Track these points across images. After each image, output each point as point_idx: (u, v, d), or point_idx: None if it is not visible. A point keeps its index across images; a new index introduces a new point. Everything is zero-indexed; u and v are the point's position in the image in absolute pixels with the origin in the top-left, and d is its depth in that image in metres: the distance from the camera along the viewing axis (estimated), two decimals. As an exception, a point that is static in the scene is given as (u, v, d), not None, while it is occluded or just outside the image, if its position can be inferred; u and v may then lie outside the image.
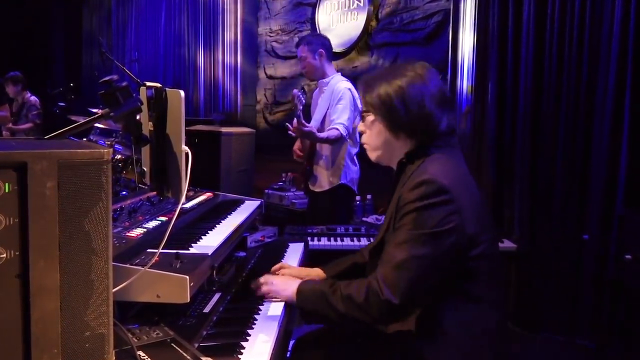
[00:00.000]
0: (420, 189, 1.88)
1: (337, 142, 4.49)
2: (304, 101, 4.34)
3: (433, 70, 2.12)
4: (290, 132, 4.42)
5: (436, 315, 1.96)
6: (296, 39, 7.41)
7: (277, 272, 2.49)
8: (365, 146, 2.28)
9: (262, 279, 2.30)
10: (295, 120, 4.34)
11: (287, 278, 2.34)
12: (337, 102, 4.51)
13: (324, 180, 4.71)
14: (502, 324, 2.07)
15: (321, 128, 4.61)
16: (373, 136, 2.20)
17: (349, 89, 4.53)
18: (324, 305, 2.01)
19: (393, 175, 2.22)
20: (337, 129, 4.39)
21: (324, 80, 4.74)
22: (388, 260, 1.90)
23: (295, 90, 4.43)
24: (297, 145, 4.96)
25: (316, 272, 2.54)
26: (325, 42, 4.76)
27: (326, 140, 4.51)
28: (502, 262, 2.17)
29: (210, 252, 2.11)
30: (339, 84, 4.62)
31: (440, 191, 1.86)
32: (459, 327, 1.95)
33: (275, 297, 2.22)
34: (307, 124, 4.37)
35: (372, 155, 2.25)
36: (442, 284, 1.92)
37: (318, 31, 6.94)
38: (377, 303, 1.86)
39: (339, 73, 4.84)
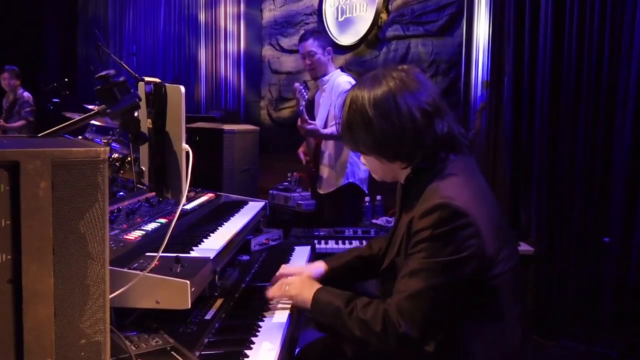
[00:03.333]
0: (433, 215, 1.79)
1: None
2: (306, 96, 4.36)
3: (414, 73, 1.99)
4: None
5: (460, 338, 1.90)
6: (302, 32, 7.43)
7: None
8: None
9: (279, 277, 2.31)
10: (299, 119, 4.38)
11: (303, 281, 2.23)
12: (338, 96, 4.53)
13: (329, 180, 4.73)
14: (526, 339, 2.02)
15: (326, 127, 4.63)
16: (367, 161, 2.15)
17: (349, 83, 4.55)
18: (340, 323, 1.95)
19: (399, 187, 2.16)
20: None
21: (324, 78, 4.79)
22: (403, 290, 1.82)
23: (296, 84, 4.45)
24: (302, 148, 4.99)
25: (317, 266, 2.47)
26: (330, 40, 4.82)
27: (331, 137, 4.55)
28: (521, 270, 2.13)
29: (212, 255, 2.11)
30: (339, 79, 4.67)
31: (457, 215, 1.77)
32: (485, 347, 1.90)
33: (288, 300, 2.20)
34: (310, 122, 4.41)
35: (375, 176, 2.19)
36: (463, 306, 1.86)
37: (325, 24, 6.93)
38: (395, 335, 1.79)
39: (339, 69, 4.87)
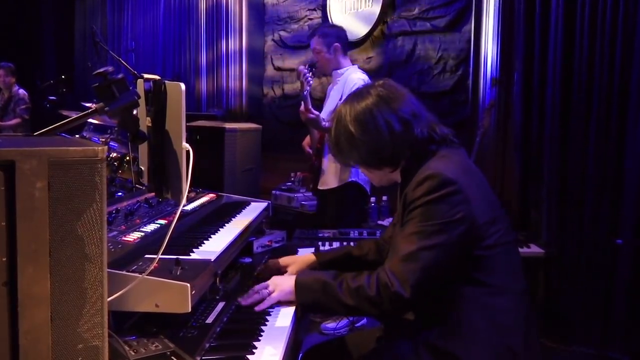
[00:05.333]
0: (424, 185, 1.98)
1: None
2: (310, 80, 4.31)
3: (391, 86, 2.21)
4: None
5: (462, 311, 1.99)
6: (306, 28, 7.42)
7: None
8: None
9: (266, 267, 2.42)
10: (302, 104, 4.32)
11: (275, 279, 2.33)
12: (349, 91, 4.52)
13: (332, 177, 4.69)
14: (530, 315, 2.10)
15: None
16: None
17: (363, 80, 4.53)
18: (329, 297, 2.07)
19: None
20: None
21: (338, 71, 4.77)
22: (396, 252, 1.99)
23: (301, 67, 4.42)
24: (306, 140, 4.97)
25: (306, 258, 2.61)
26: (341, 35, 4.79)
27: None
28: (525, 263, 2.23)
29: (213, 257, 2.11)
30: (352, 75, 4.65)
31: (445, 183, 1.96)
32: (487, 320, 1.99)
33: (275, 301, 2.21)
34: (313, 111, 4.35)
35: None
36: (460, 277, 1.99)
37: (329, 19, 6.92)
38: (388, 296, 1.93)
39: (356, 65, 4.86)
